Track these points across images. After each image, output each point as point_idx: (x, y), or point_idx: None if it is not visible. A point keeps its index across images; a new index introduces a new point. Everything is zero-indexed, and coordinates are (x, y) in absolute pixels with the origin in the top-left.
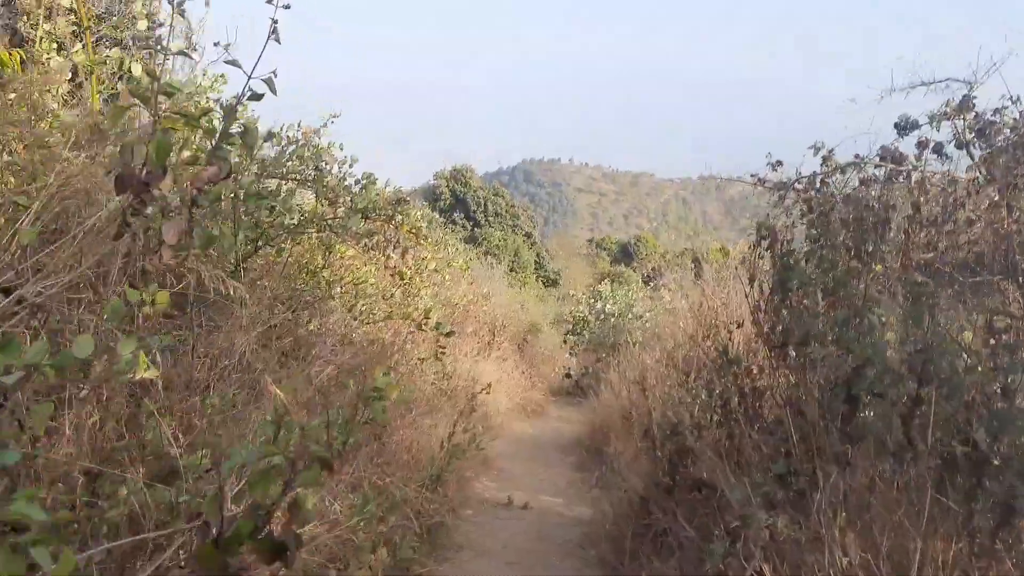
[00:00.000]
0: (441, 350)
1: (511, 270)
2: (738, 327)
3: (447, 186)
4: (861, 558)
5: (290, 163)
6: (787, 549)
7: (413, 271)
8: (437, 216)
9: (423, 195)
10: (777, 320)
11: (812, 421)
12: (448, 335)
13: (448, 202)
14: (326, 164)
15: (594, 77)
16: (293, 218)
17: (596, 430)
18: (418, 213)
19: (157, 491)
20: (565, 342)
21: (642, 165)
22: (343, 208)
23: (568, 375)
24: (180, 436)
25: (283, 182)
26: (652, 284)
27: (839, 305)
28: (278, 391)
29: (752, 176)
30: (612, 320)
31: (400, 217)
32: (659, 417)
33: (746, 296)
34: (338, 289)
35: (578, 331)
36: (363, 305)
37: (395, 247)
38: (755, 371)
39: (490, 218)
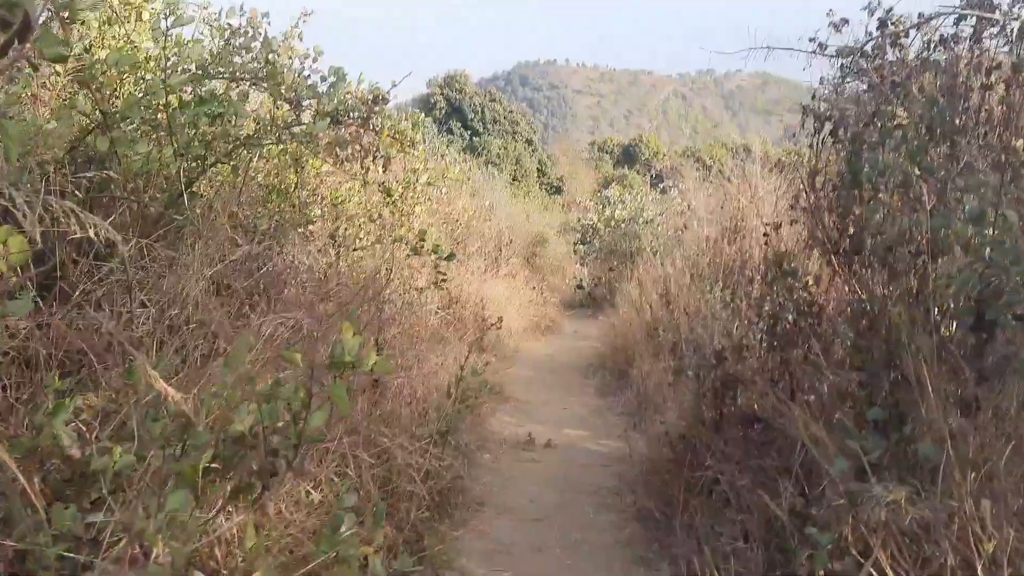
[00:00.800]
0: (442, 277)
1: (514, 179)
2: (776, 230)
3: (441, 93)
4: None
5: (238, 59)
6: (911, 533)
7: (403, 186)
8: (430, 122)
9: (418, 105)
10: (845, 222)
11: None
12: (448, 258)
13: (444, 111)
14: (284, 57)
15: None
16: (245, 128)
17: (617, 349)
18: (404, 116)
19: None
20: (575, 252)
21: (641, 62)
22: (308, 112)
23: (580, 286)
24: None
25: (232, 84)
26: (661, 186)
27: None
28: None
29: (811, 41)
30: (623, 226)
31: (378, 120)
32: (688, 333)
33: (801, 195)
34: (317, 211)
35: (587, 239)
36: (346, 229)
37: (374, 157)
38: (812, 283)
39: (488, 125)
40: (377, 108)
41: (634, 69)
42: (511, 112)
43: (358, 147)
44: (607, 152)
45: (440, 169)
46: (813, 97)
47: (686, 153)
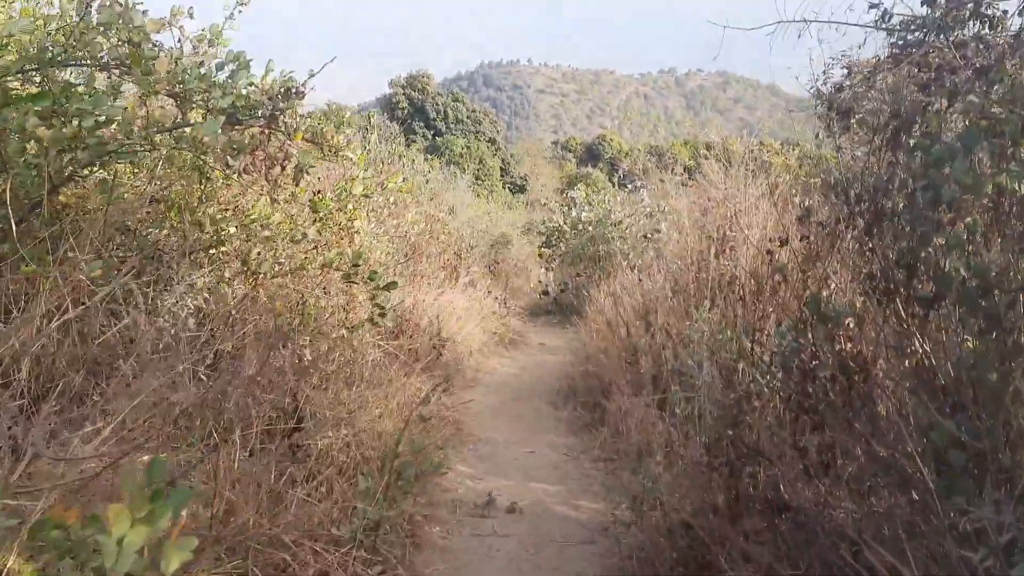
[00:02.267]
0: (379, 311)
1: (477, 179)
2: (781, 245)
3: (403, 93)
4: None
5: (99, 39)
6: None
7: (334, 198)
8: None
9: (380, 106)
10: (913, 254)
11: None
12: (389, 287)
13: (406, 111)
14: (173, 41)
15: None
16: (118, 130)
17: (589, 374)
18: (334, 116)
19: None
20: (540, 255)
21: (602, 62)
22: (198, 110)
23: (546, 292)
24: None
25: (95, 72)
26: (629, 187)
27: None
28: None
29: (873, 7)
30: (591, 229)
31: (290, 120)
32: (673, 361)
33: (817, 208)
34: (232, 230)
35: (553, 243)
36: (260, 253)
37: (283, 166)
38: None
39: (451, 125)
40: (287, 104)
41: (596, 69)
42: (474, 112)
43: (260, 154)
44: (570, 151)
45: (386, 178)
46: (839, 90)
47: (650, 151)
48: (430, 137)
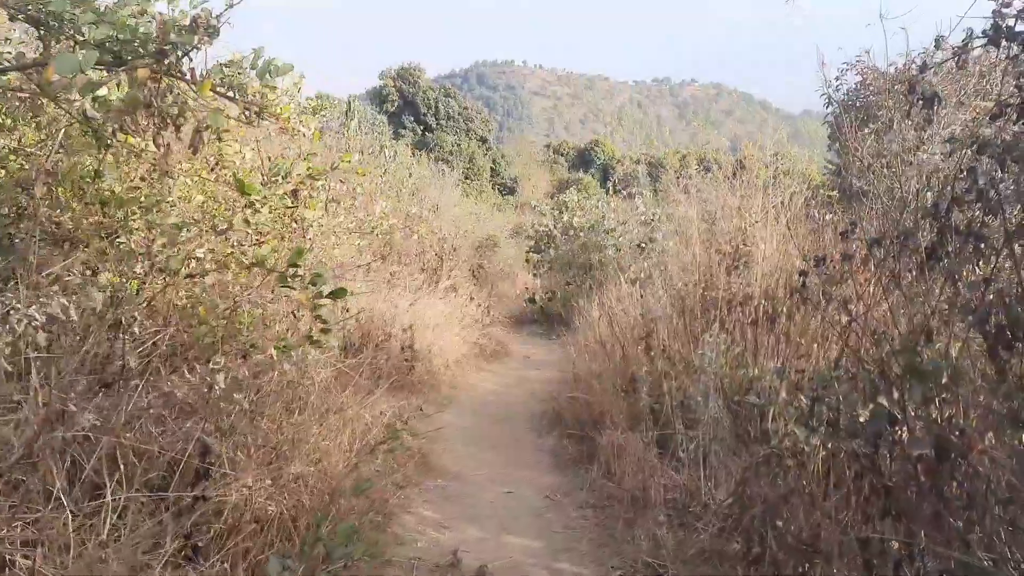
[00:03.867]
0: (321, 326)
1: (466, 178)
2: (816, 265)
3: (394, 86)
4: None
5: None
6: None
7: (270, 177)
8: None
9: (370, 98)
10: None
11: None
12: (335, 296)
13: (396, 104)
14: None
15: None
16: None
17: (579, 402)
18: (272, 66)
19: None
20: (527, 261)
21: (597, 66)
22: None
23: (532, 300)
24: None
25: None
26: (624, 193)
27: None
28: None
29: None
30: (582, 236)
31: (193, 63)
32: (677, 393)
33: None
34: (135, 214)
35: (542, 248)
36: (163, 245)
37: (177, 127)
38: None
39: (442, 121)
40: (186, 39)
41: (591, 74)
42: (466, 109)
43: (145, 109)
44: (562, 155)
45: (339, 158)
46: (923, 69)
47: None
48: (420, 132)
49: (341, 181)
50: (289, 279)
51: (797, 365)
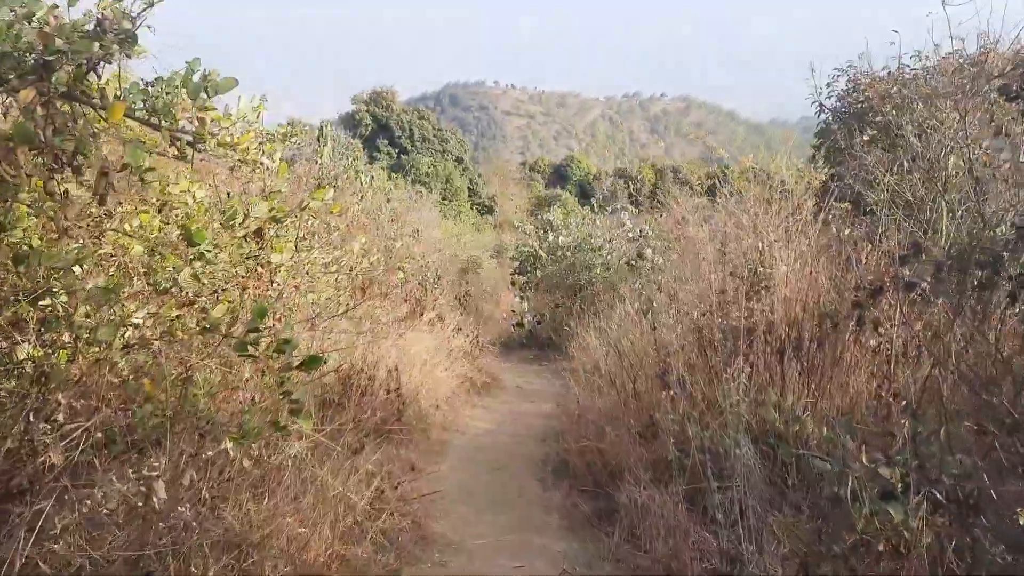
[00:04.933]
0: (291, 406)
1: (444, 199)
2: (872, 296)
3: (367, 110)
4: None
5: None
6: None
7: (225, 220)
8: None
9: (343, 123)
10: None
11: None
12: (308, 366)
13: (370, 128)
14: None
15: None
16: None
17: (586, 448)
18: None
19: None
20: (513, 283)
21: (568, 84)
22: None
23: (520, 324)
24: None
25: None
26: (609, 209)
27: None
28: None
29: None
30: (569, 255)
31: (110, 81)
32: (702, 436)
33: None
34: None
35: (528, 269)
36: (86, 313)
37: (72, 164)
38: None
39: (417, 143)
40: (85, 48)
41: (562, 91)
42: (440, 130)
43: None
44: (538, 172)
45: (309, 195)
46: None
47: (619, 174)
48: (395, 155)
49: (314, 217)
50: (250, 345)
51: (834, 402)
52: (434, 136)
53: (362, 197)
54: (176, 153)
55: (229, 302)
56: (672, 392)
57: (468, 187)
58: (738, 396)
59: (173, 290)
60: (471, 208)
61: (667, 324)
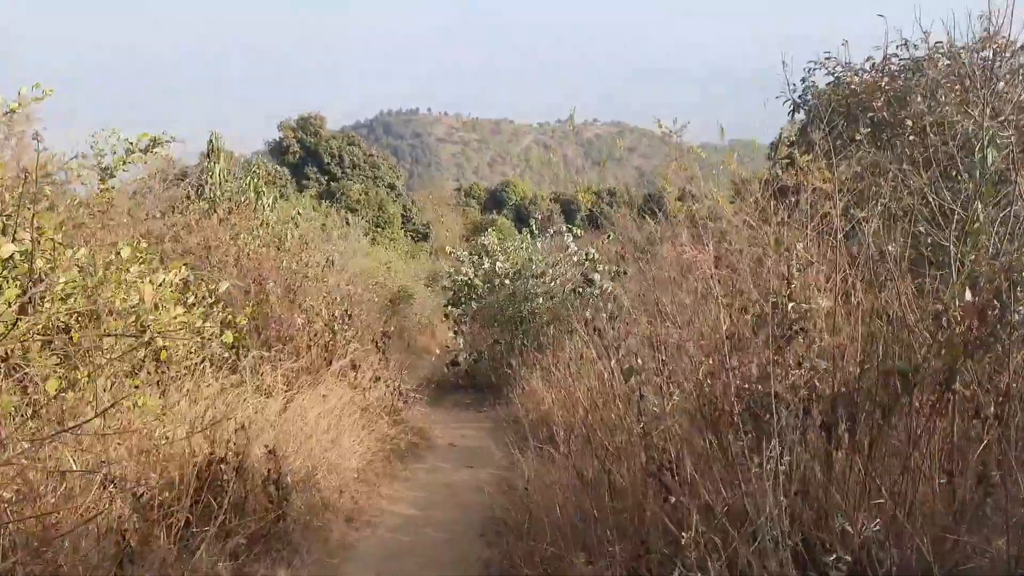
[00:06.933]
0: None
1: (376, 226)
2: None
3: (295, 137)
4: None
5: None
6: None
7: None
8: (275, 167)
9: (270, 149)
10: None
11: None
12: None
13: (298, 155)
14: None
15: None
16: None
17: (545, 562)
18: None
19: None
20: (447, 316)
21: (501, 111)
22: None
23: (455, 363)
24: None
25: None
26: (550, 232)
27: None
28: None
29: None
30: (508, 284)
31: None
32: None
33: None
34: None
35: (462, 300)
36: None
37: None
38: None
39: (347, 170)
40: None
41: (496, 118)
42: (371, 156)
43: None
44: (474, 197)
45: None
46: None
47: (555, 198)
48: (324, 182)
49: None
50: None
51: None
52: (365, 163)
53: (263, 223)
54: None
55: None
56: (675, 499)
57: (402, 214)
58: (773, 500)
59: None
60: (405, 235)
61: (651, 381)
